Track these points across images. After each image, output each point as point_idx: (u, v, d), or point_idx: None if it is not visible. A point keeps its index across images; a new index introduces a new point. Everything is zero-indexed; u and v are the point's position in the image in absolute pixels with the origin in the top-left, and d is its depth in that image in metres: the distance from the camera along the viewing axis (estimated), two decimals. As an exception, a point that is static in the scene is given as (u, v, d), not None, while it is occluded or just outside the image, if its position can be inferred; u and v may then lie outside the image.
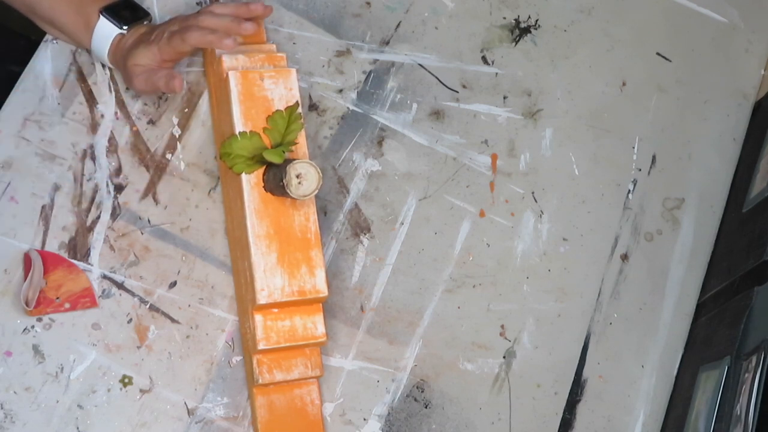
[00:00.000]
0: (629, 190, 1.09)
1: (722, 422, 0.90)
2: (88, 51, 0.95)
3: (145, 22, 0.94)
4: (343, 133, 1.02)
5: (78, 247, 0.92)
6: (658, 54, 1.15)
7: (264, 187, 0.86)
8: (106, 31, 0.93)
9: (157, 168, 0.96)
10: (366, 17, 1.07)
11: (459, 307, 1.01)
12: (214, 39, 0.89)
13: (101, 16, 0.92)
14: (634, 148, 1.11)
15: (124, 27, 0.93)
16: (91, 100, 0.96)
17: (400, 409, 0.97)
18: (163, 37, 0.90)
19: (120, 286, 0.92)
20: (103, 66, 0.96)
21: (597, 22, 1.14)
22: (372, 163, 1.03)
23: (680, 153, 1.12)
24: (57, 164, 0.93)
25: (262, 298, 0.85)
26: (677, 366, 1.05)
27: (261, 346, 0.86)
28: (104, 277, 0.92)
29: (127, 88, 0.97)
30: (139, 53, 0.91)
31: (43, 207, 0.92)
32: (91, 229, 0.92)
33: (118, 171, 0.95)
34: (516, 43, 1.11)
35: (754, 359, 0.88)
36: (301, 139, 0.89)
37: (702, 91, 1.15)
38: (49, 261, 0.89)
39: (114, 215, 0.93)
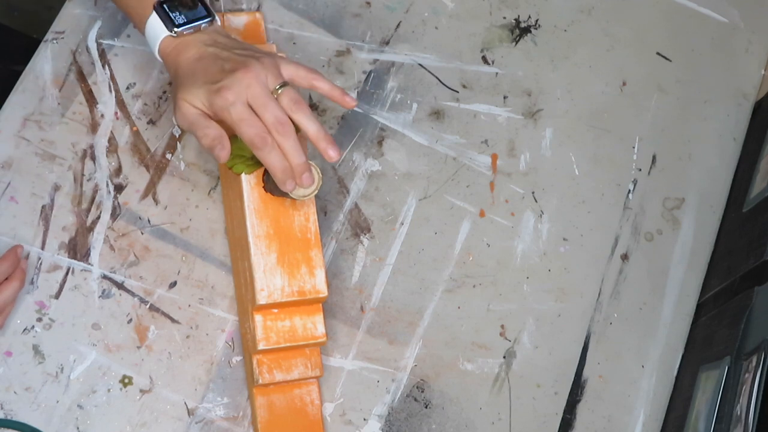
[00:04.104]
0: (629, 190, 1.09)
1: (722, 422, 0.90)
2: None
3: (203, 25, 0.83)
4: (343, 133, 1.02)
5: (78, 247, 0.92)
6: (658, 54, 1.15)
7: (264, 187, 0.86)
8: (155, 30, 0.82)
9: (157, 168, 0.96)
10: (366, 17, 1.07)
11: (459, 307, 1.01)
12: (280, 176, 0.79)
13: (154, 11, 0.82)
14: (634, 148, 1.11)
15: (175, 30, 0.82)
16: (91, 100, 0.96)
17: (400, 409, 0.97)
18: (231, 110, 0.78)
19: (120, 286, 0.92)
20: (104, 66, 0.96)
21: (597, 22, 1.14)
22: (372, 163, 1.03)
23: (680, 153, 1.12)
24: (57, 164, 0.93)
25: (261, 299, 0.85)
26: (677, 366, 1.05)
27: (261, 346, 0.86)
28: (104, 277, 0.92)
29: (127, 88, 0.97)
30: (194, 93, 0.79)
31: (43, 207, 0.92)
32: (91, 229, 0.92)
33: (118, 171, 0.95)
34: (516, 43, 1.11)
35: (754, 359, 0.88)
36: (301, 139, 0.89)
37: (702, 91, 1.15)
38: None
39: (114, 215, 0.93)
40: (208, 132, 0.80)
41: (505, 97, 1.09)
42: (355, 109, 1.03)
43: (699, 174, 1.12)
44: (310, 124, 0.81)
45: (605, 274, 1.06)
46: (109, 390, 0.89)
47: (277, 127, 0.79)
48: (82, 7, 0.97)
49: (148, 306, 0.92)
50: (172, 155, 0.96)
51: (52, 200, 0.92)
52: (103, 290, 0.91)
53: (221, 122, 0.81)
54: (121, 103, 0.96)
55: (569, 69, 1.12)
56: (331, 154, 0.81)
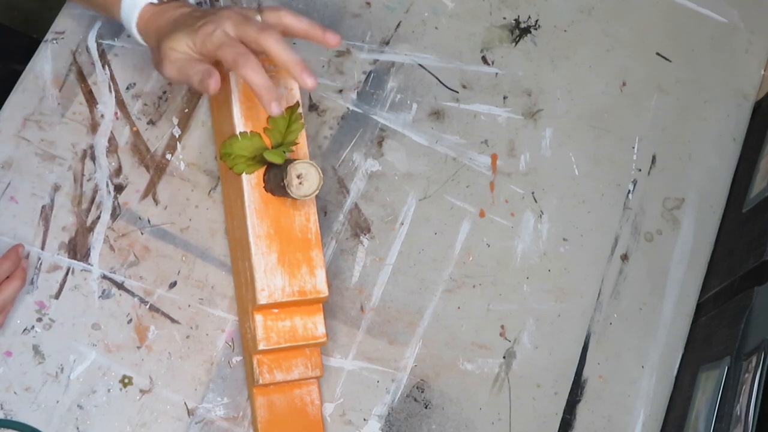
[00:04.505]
0: (629, 190, 1.09)
1: (722, 422, 0.90)
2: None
3: None
4: (343, 133, 1.02)
5: (78, 247, 0.92)
6: (658, 54, 1.15)
7: (264, 187, 0.86)
8: (134, 1, 0.84)
9: (157, 168, 0.96)
10: (366, 17, 1.07)
11: (459, 307, 1.01)
12: (264, 94, 0.78)
13: None
14: (634, 148, 1.11)
15: None
16: (91, 100, 0.96)
17: (400, 409, 0.97)
18: (212, 37, 0.79)
19: (120, 286, 0.92)
20: (104, 66, 0.96)
21: (597, 22, 1.14)
22: (372, 163, 1.03)
23: (680, 153, 1.12)
24: (57, 164, 0.93)
25: (262, 299, 0.85)
26: (677, 366, 1.05)
27: (261, 346, 0.86)
28: (104, 277, 0.92)
29: (127, 88, 0.96)
30: (178, 38, 0.80)
31: (43, 207, 0.92)
32: (91, 229, 0.92)
33: (118, 171, 0.95)
34: (516, 43, 1.11)
35: (754, 359, 0.88)
36: (302, 139, 0.89)
37: (702, 91, 1.15)
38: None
39: (114, 215, 0.93)
40: (197, 67, 0.79)
41: (505, 97, 1.09)
42: (355, 109, 1.03)
43: (699, 174, 1.12)
44: (299, 21, 0.82)
45: (605, 274, 1.06)
46: (109, 390, 0.89)
47: (260, 33, 0.79)
48: (82, 7, 0.97)
49: (148, 306, 0.92)
50: (172, 155, 0.96)
51: (52, 200, 0.92)
52: (103, 290, 0.91)
53: (216, 65, 0.81)
54: (121, 103, 0.96)
55: (569, 69, 1.12)
56: (332, 40, 0.81)
